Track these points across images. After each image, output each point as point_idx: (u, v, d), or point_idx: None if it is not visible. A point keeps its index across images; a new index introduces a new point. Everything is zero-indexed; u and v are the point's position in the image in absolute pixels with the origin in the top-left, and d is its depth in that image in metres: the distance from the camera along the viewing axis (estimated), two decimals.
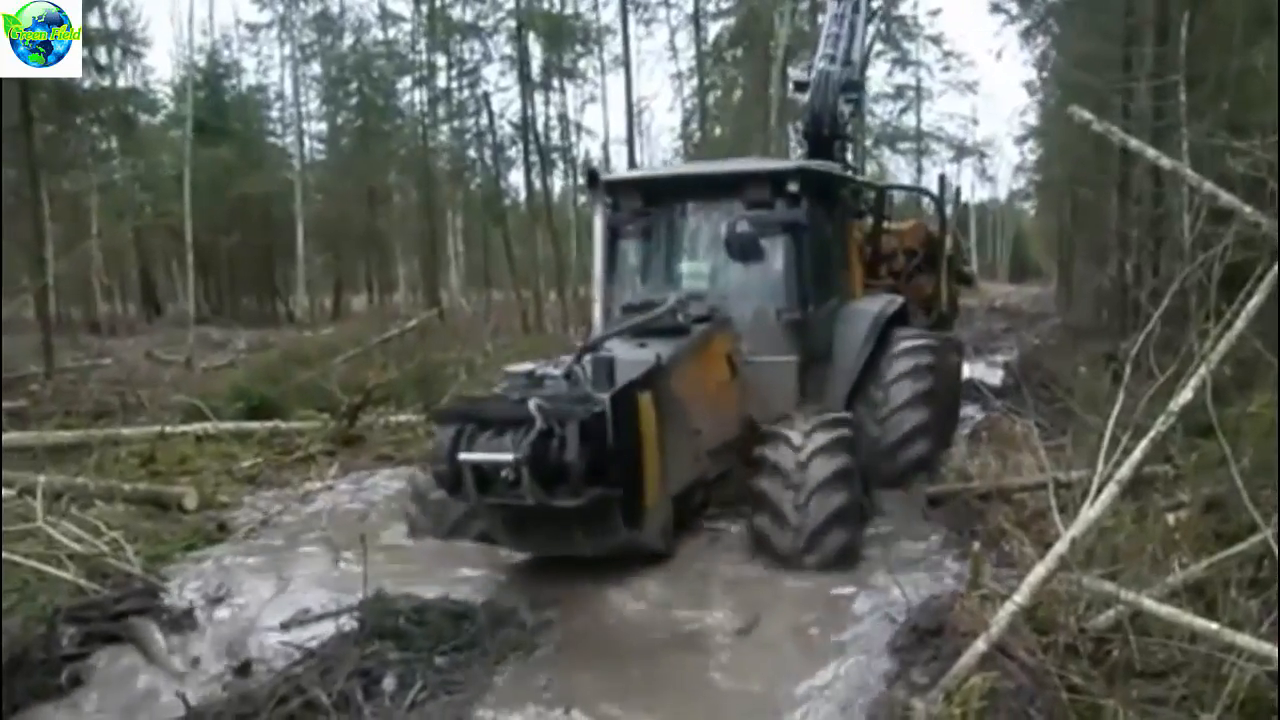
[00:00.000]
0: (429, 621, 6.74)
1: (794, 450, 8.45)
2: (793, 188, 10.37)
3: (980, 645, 5.33)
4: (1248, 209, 6.60)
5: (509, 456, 6.91)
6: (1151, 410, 6.56)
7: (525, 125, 39.92)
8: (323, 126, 52.51)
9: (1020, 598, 5.52)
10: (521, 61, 39.65)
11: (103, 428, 14.13)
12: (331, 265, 53.18)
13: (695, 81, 41.03)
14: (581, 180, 11.81)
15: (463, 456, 7.18)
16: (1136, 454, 6.07)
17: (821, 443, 8.47)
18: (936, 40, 49.05)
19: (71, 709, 6.20)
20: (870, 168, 40.29)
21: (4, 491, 10.28)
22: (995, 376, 18.44)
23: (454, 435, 7.25)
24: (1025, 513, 8.66)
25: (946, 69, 50.25)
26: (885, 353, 10.99)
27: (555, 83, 42.88)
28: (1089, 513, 5.92)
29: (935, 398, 10.99)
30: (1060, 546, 5.70)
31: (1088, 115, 7.61)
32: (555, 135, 42.70)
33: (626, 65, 37.80)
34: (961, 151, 53.65)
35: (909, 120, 52.39)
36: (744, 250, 10.16)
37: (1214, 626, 5.14)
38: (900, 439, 10.46)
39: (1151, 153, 8.22)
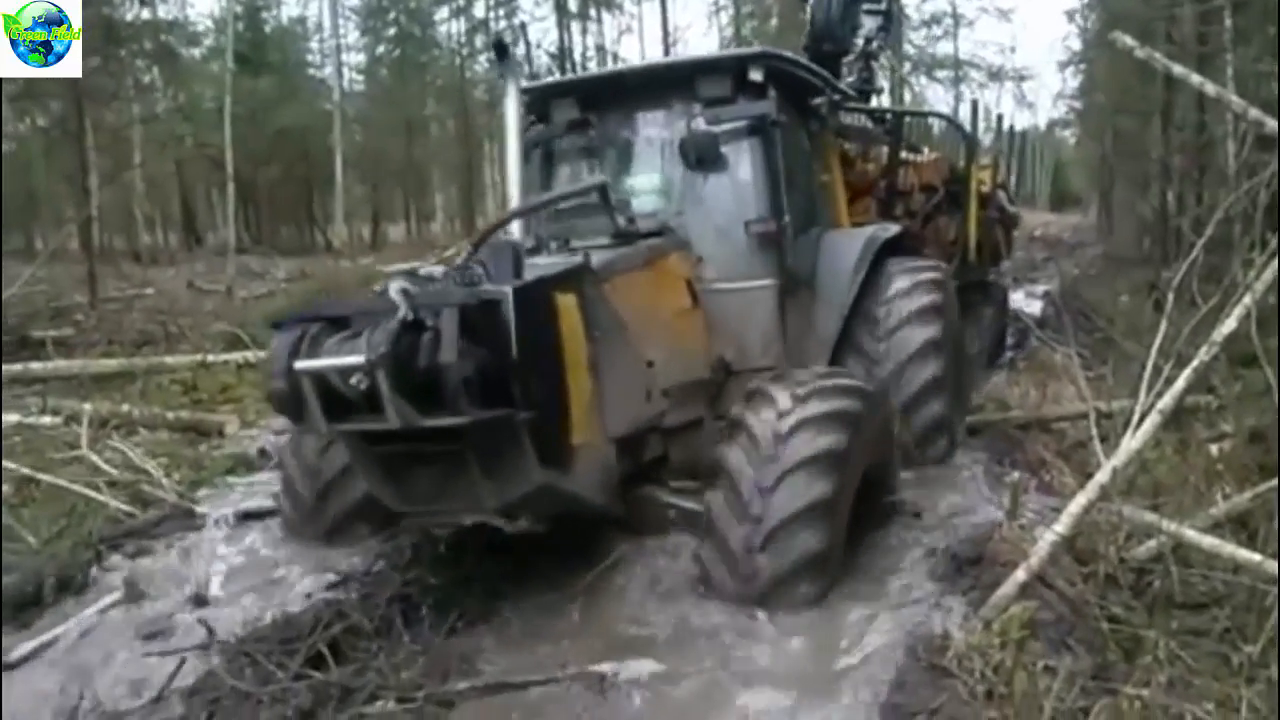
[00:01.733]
0: (467, 549, 6.60)
1: (777, 416, 6.30)
2: (756, 76, 8.34)
3: (1020, 575, 5.27)
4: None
5: (360, 359, 5.06)
6: (1194, 340, 6.50)
7: (562, 55, 39.71)
8: (361, 58, 52.44)
9: (1060, 527, 5.45)
10: None
11: (146, 356, 14.33)
12: (369, 195, 53.18)
13: (731, 10, 40.69)
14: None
15: (300, 365, 5.28)
16: (1179, 384, 5.97)
17: (814, 413, 6.25)
18: None
19: (101, 630, 6.23)
20: (906, 96, 39.74)
21: (49, 419, 10.42)
22: (1035, 306, 18.24)
23: (293, 341, 5.37)
24: (1065, 443, 8.63)
25: None
26: (880, 292, 8.92)
27: (592, 12, 42.60)
28: (1130, 443, 5.83)
29: (947, 346, 8.86)
30: (1101, 476, 5.63)
31: (1130, 41, 7.39)
32: (592, 65, 42.42)
33: None
34: (998, 77, 52.76)
35: (945, 48, 51.53)
36: (702, 156, 8.24)
37: (1257, 558, 5.08)
38: (909, 401, 8.45)
39: (1196, 79, 7.91)
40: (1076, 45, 42.45)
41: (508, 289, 5.28)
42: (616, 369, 6.25)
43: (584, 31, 42.55)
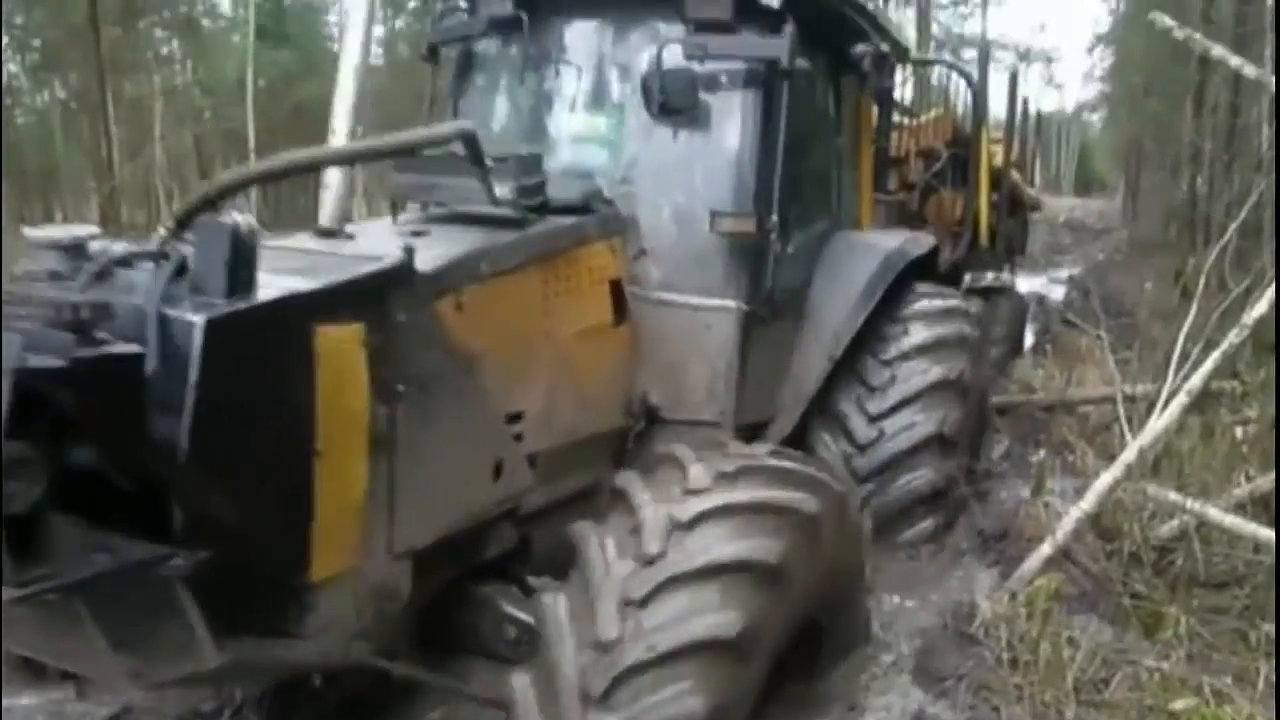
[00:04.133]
0: None
1: (682, 493, 3.93)
2: (773, 2, 5.76)
3: (1045, 549, 5.49)
4: None
5: None
6: (1222, 325, 6.67)
7: None
8: (380, 31, 52.52)
9: (1086, 504, 5.68)
10: None
11: None
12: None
13: None
14: None
15: None
16: (1207, 365, 6.16)
17: (738, 501, 3.86)
18: None
19: None
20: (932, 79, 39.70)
21: None
22: (1059, 291, 18.38)
23: None
24: (1089, 425, 8.78)
25: None
26: (891, 325, 6.69)
27: None
28: (1156, 423, 6.04)
29: (963, 399, 6.67)
30: (1127, 455, 5.85)
31: (1169, 21, 7.52)
32: None
33: None
34: (1027, 57, 52.98)
35: (973, 27, 51.50)
36: (672, 101, 5.57)
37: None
38: (895, 460, 6.31)
39: (1235, 60, 7.88)
40: (1105, 26, 42.73)
41: (197, 320, 2.85)
42: (438, 438, 3.86)
43: None
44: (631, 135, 5.98)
